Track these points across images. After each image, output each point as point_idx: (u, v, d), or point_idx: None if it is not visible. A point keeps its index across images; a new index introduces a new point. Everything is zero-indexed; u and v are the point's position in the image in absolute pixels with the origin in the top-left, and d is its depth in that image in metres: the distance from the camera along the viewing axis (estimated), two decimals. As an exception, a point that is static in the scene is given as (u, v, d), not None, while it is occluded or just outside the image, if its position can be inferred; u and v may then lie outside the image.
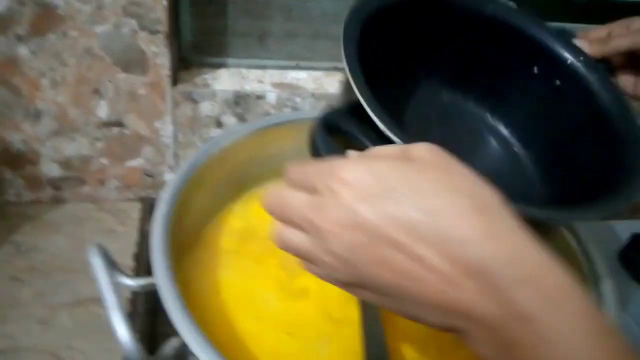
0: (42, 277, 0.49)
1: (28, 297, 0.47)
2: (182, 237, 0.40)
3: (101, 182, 0.57)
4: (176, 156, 0.57)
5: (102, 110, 0.52)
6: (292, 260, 0.25)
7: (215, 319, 0.36)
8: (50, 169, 0.55)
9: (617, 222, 0.60)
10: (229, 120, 0.55)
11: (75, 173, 0.56)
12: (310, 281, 0.40)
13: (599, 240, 0.42)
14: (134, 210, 0.58)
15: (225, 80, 0.55)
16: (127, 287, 0.30)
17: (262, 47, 0.58)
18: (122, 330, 0.24)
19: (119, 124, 0.53)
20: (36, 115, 0.51)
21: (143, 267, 0.53)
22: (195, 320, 0.29)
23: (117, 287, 0.26)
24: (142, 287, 0.30)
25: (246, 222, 0.45)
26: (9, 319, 0.45)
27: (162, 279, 0.30)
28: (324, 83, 0.57)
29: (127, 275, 0.30)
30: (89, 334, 0.45)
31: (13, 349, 0.43)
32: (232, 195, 0.48)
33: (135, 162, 0.56)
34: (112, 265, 0.29)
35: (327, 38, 0.58)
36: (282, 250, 0.25)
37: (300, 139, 0.51)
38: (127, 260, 0.52)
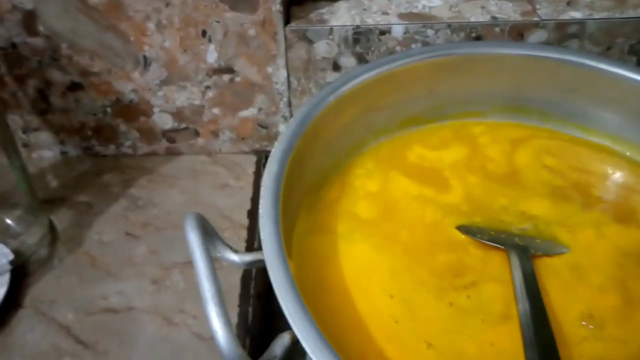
0: (156, 233, 0.47)
1: (143, 254, 0.45)
2: (297, 200, 0.35)
3: (215, 134, 0.53)
4: (290, 105, 0.51)
5: (212, 55, 0.48)
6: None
7: (334, 301, 0.30)
8: (164, 121, 0.52)
9: None
10: (348, 61, 0.48)
11: (188, 124, 0.53)
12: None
13: None
14: (249, 164, 0.54)
15: (344, 13, 0.48)
16: (231, 263, 0.25)
17: (388, -28, 0.49)
18: (218, 326, 0.20)
19: (230, 70, 0.49)
20: (145, 63, 0.48)
21: (257, 226, 0.49)
22: (309, 309, 0.23)
23: (213, 270, 0.21)
24: (249, 263, 0.25)
25: (376, 183, 0.39)
26: (124, 277, 0.43)
27: (271, 255, 0.25)
28: (462, 10, 0.47)
29: (232, 249, 0.25)
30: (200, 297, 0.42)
31: (127, 309, 0.41)
32: (352, 150, 0.41)
33: (248, 112, 0.52)
34: (213, 237, 0.25)
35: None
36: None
37: (434, 79, 0.43)
38: (241, 218, 0.48)
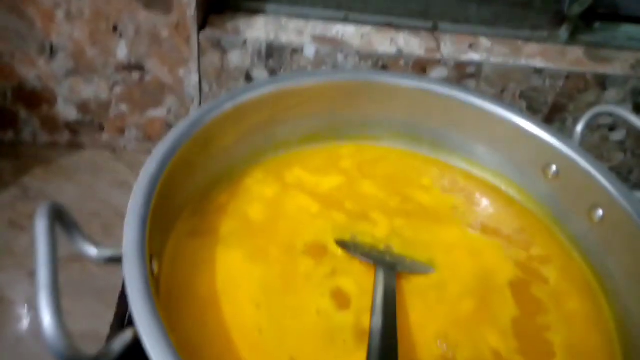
0: (42, 226, 0.45)
1: (24, 246, 0.44)
2: (179, 201, 0.35)
3: (120, 131, 0.53)
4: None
5: (122, 51, 0.47)
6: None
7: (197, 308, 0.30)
8: (68, 111, 0.51)
9: None
10: (260, 74, 0.49)
11: (93, 118, 0.52)
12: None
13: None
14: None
15: (260, 28, 0.49)
16: (89, 257, 0.25)
17: (307, -7, 0.51)
18: (46, 316, 0.19)
19: (140, 67, 0.48)
20: (51, 51, 0.47)
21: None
22: (166, 313, 0.23)
23: (55, 257, 0.21)
24: (107, 259, 0.25)
25: (271, 190, 0.39)
26: (1, 267, 0.42)
27: (128, 251, 0.25)
28: (373, 40, 0.50)
29: (92, 243, 0.25)
30: (79, 294, 0.41)
31: (-2, 300, 0.40)
32: (249, 159, 0.41)
33: (157, 112, 0.51)
34: (71, 230, 0.24)
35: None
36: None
37: (337, 101, 0.44)
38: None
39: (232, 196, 0.39)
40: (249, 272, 0.33)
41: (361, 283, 0.34)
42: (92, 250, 0.25)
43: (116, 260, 0.25)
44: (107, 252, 0.25)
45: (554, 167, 0.39)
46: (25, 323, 0.39)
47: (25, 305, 0.40)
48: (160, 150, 0.31)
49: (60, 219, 0.24)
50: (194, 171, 0.36)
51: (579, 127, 0.39)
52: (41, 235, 0.21)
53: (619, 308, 0.35)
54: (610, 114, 0.39)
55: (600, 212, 0.36)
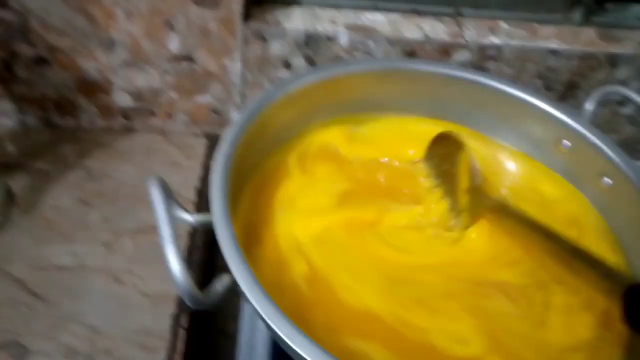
0: (109, 203, 0.51)
1: (95, 220, 0.49)
2: (243, 177, 0.40)
3: (170, 116, 0.58)
4: (243, 95, 0.56)
5: (174, 44, 0.52)
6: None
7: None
8: (122, 99, 0.56)
9: None
10: (298, 62, 0.54)
11: (146, 104, 0.57)
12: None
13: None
14: (200, 146, 0.59)
15: (297, 18, 0.53)
16: (185, 221, 0.30)
17: (340, -15, 0.55)
18: (175, 263, 0.25)
19: (189, 58, 0.53)
20: (110, 45, 0.52)
21: (204, 203, 0.54)
22: (248, 261, 0.28)
23: (174, 220, 0.27)
24: (200, 223, 0.30)
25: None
26: (77, 240, 0.47)
27: (218, 217, 0.30)
28: (401, 27, 0.54)
29: (186, 210, 0.30)
30: (149, 261, 0.47)
31: (79, 267, 0.45)
32: (294, 142, 0.46)
33: (203, 99, 0.56)
34: (170, 198, 0.30)
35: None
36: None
37: (370, 88, 0.49)
38: (189, 194, 0.53)
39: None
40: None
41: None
42: (188, 217, 0.30)
43: (206, 224, 0.31)
44: (201, 218, 0.30)
45: (567, 142, 0.43)
46: (104, 286, 0.45)
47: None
48: (231, 133, 0.36)
49: (165, 188, 0.29)
50: (253, 152, 0.41)
51: (588, 105, 0.43)
52: (158, 201, 0.26)
53: (631, 268, 0.40)
54: (617, 93, 0.43)
55: (608, 180, 0.41)
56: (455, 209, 0.41)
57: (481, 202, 0.40)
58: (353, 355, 0.32)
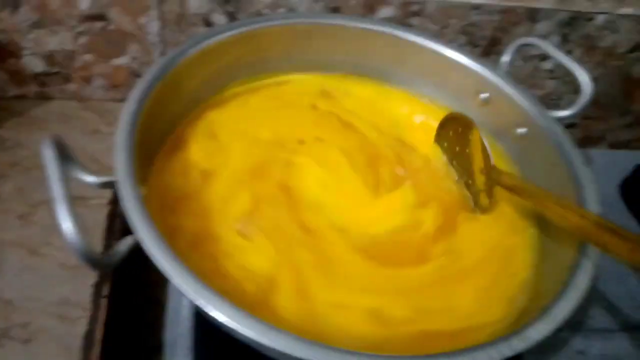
0: (23, 173, 0.48)
1: (9, 191, 0.47)
2: (154, 138, 0.39)
3: (87, 80, 0.55)
4: (163, 55, 0.54)
5: (84, 2, 0.49)
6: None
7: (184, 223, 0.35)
8: (34, 64, 0.53)
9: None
10: (219, 19, 0.52)
11: (60, 69, 0.54)
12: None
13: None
14: (121, 111, 0.56)
15: (216, -27, 0.51)
16: (87, 183, 0.29)
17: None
18: (65, 221, 0.23)
19: (103, 17, 0.50)
20: (15, 4, 0.48)
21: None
22: (155, 221, 0.28)
23: (67, 179, 0.25)
24: (103, 184, 0.29)
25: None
26: (-11, 213, 0.45)
27: (121, 175, 0.29)
28: (323, -17, 0.53)
29: (88, 172, 0.29)
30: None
31: (-8, 241, 0.43)
32: (212, 100, 0.45)
33: (121, 60, 0.54)
34: (68, 159, 0.28)
35: None
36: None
37: (291, 44, 0.48)
38: (111, 161, 0.51)
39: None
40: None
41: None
42: (89, 178, 0.29)
43: (109, 185, 0.29)
44: (103, 178, 0.29)
45: (484, 94, 0.44)
46: (20, 259, 0.43)
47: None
48: (138, 90, 0.35)
49: (63, 149, 0.27)
50: (165, 109, 0.39)
51: (504, 58, 0.44)
52: (49, 158, 0.25)
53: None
54: (531, 45, 0.44)
55: (522, 130, 0.42)
56: (472, 190, 0.41)
57: (496, 180, 0.39)
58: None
